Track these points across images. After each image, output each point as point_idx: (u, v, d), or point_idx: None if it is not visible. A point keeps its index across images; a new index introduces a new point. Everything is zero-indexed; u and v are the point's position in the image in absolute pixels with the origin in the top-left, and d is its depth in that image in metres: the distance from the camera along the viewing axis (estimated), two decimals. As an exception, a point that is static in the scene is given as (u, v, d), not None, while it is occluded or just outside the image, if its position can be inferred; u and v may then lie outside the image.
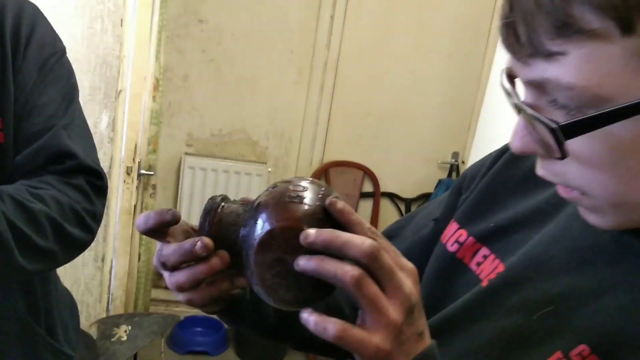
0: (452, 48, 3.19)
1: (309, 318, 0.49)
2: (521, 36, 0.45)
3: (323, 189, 0.56)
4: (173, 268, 0.59)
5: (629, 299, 0.52)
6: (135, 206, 2.28)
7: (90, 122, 1.42)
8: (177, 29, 2.98)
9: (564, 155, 0.46)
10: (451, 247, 0.71)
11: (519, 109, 0.48)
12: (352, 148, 3.32)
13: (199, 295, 0.60)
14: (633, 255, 0.54)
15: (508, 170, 0.71)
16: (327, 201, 0.53)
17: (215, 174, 3.06)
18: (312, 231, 0.50)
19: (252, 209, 0.56)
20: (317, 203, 0.54)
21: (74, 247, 0.97)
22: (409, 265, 0.52)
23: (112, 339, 1.87)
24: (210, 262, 0.57)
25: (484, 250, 0.67)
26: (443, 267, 0.71)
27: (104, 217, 2.10)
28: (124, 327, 1.92)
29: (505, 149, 0.73)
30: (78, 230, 0.95)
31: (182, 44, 3.01)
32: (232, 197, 0.61)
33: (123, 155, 2.14)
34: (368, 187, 3.38)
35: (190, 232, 0.63)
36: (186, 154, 3.11)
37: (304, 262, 0.50)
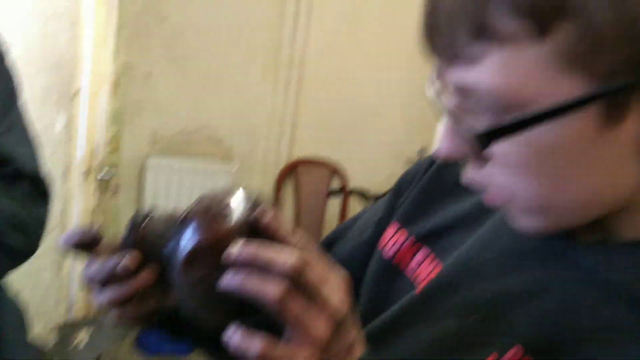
0: (419, 44, 3.18)
1: (234, 335, 0.48)
2: (442, 40, 0.45)
3: (253, 199, 0.54)
4: (100, 285, 0.57)
5: (559, 300, 0.52)
6: (95, 208, 2.24)
7: (44, 124, 1.38)
8: (139, 26, 2.93)
9: (487, 159, 0.46)
10: (389, 252, 0.70)
11: (444, 112, 0.48)
12: (320, 145, 3.31)
13: (129, 312, 0.58)
14: (562, 256, 0.54)
15: (447, 169, 0.70)
16: (255, 213, 0.52)
17: (180, 172, 3.02)
18: (235, 247, 0.49)
19: (179, 223, 0.54)
20: (246, 215, 0.52)
21: (14, 256, 0.94)
22: (340, 276, 0.51)
23: (71, 344, 1.83)
24: (136, 280, 0.55)
25: (424, 250, 0.67)
26: (380, 273, 0.70)
27: (61, 220, 2.06)
28: (84, 332, 1.89)
29: None
30: (17, 239, 0.92)
31: (144, 41, 2.96)
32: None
33: (81, 156, 2.09)
34: (336, 184, 3.37)
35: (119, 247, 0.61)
36: (150, 153, 3.06)
37: (227, 280, 0.48)
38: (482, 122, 0.45)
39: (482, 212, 0.63)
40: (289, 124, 3.21)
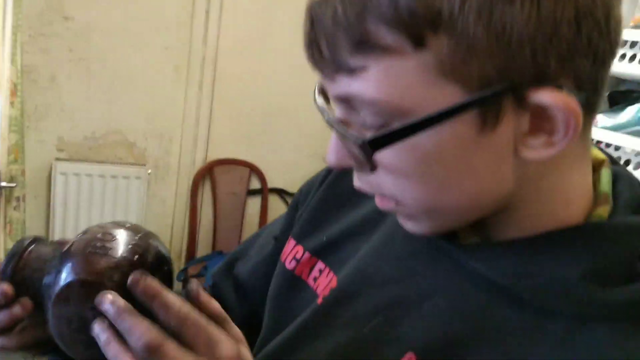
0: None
1: None
2: (324, 53, 0.45)
3: (137, 237, 0.53)
4: None
5: (448, 303, 0.54)
6: (-3, 221, 2.12)
7: None
8: (40, 27, 2.79)
9: (373, 167, 0.47)
10: (289, 265, 0.70)
11: (330, 124, 0.48)
12: (237, 145, 3.26)
13: (11, 342, 0.57)
14: (449, 259, 0.55)
15: (339, 182, 0.71)
16: (130, 279, 0.50)
17: (91, 179, 2.90)
18: (107, 298, 0.48)
19: (59, 257, 0.52)
20: (125, 255, 0.51)
21: None
22: (223, 343, 0.50)
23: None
24: (11, 311, 0.54)
25: (320, 265, 0.67)
26: (283, 286, 0.70)
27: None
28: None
29: None
30: None
31: (46, 43, 2.82)
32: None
33: (-21, 167, 1.97)
34: (255, 184, 3.34)
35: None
36: (57, 159, 2.92)
37: (97, 330, 0.48)
38: (366, 132, 0.46)
39: (379, 215, 0.64)
40: (204, 125, 3.15)
